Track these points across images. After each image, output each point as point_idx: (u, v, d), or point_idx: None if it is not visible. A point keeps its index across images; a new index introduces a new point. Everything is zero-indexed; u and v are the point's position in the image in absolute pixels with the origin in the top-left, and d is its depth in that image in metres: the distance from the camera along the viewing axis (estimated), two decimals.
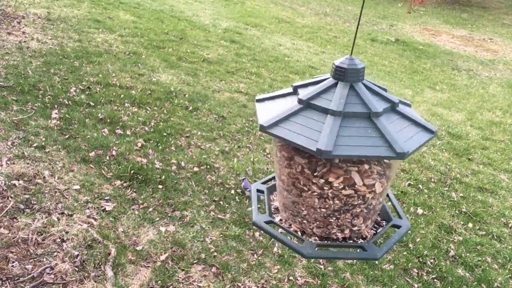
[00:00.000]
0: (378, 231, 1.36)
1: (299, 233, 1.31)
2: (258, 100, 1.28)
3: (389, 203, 1.47)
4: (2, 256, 2.67)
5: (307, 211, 1.26)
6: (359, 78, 1.18)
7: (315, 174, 1.19)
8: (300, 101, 1.16)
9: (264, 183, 1.50)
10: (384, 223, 1.38)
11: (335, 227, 1.28)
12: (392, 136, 1.08)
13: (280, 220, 1.37)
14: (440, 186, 4.38)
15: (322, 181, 1.19)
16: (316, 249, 1.25)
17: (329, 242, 1.29)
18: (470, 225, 3.86)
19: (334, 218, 1.25)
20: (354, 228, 1.28)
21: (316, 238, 1.30)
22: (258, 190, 1.44)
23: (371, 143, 1.08)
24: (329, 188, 1.19)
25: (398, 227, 1.35)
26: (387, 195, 1.44)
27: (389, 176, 1.24)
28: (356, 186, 1.18)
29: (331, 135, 1.06)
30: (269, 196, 1.46)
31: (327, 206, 1.22)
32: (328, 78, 1.20)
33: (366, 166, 1.17)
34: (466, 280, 3.23)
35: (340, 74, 1.17)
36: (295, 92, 1.24)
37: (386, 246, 1.25)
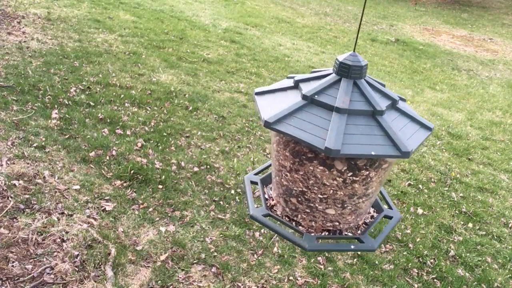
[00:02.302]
0: (370, 223, 1.38)
1: (300, 227, 1.32)
2: (258, 93, 1.25)
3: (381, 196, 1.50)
4: (2, 256, 2.67)
5: (305, 203, 1.26)
6: (362, 75, 1.18)
7: (319, 166, 1.19)
8: (304, 96, 1.15)
9: (256, 174, 1.49)
10: (375, 215, 1.39)
11: (331, 219, 1.29)
12: (396, 134, 1.09)
13: (276, 212, 1.37)
14: (440, 186, 4.38)
15: (331, 171, 1.19)
16: (316, 242, 1.25)
17: (326, 234, 1.30)
18: (470, 225, 3.86)
19: (333, 210, 1.26)
20: (349, 219, 1.29)
21: (313, 231, 1.31)
22: (252, 182, 1.42)
23: (377, 142, 1.08)
24: (339, 177, 1.19)
25: (390, 217, 1.36)
26: (390, 218, 1.46)
27: (368, 183, 1.24)
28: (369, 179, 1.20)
29: (339, 133, 1.06)
30: (263, 188, 1.46)
31: (327, 197, 1.22)
32: (331, 73, 1.20)
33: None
34: (466, 280, 3.23)
35: (344, 70, 1.17)
36: (296, 86, 1.23)
37: (381, 237, 1.27)
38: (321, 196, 1.23)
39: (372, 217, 1.40)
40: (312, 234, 1.29)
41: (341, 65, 1.18)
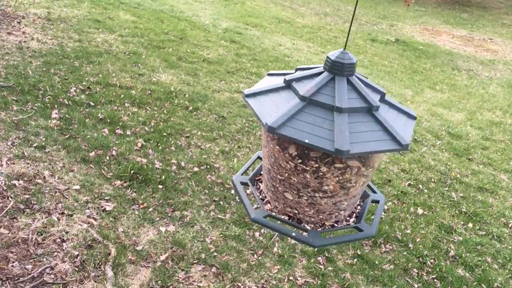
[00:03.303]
0: (361, 211, 1.39)
1: (303, 225, 1.34)
2: (248, 95, 1.23)
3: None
4: (2, 256, 2.67)
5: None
6: (354, 71, 1.19)
7: (307, 163, 1.20)
8: (302, 98, 1.14)
9: (243, 174, 1.49)
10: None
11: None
12: (394, 128, 1.10)
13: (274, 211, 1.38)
14: (440, 186, 4.38)
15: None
16: (321, 237, 1.26)
17: (324, 228, 1.31)
18: (470, 225, 3.86)
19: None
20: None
21: (311, 226, 1.32)
22: (241, 183, 1.41)
23: (378, 138, 1.09)
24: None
25: (377, 202, 1.37)
26: (378, 202, 1.48)
27: (358, 178, 1.24)
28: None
29: (345, 133, 1.06)
30: (255, 187, 1.45)
31: (315, 191, 1.24)
32: (322, 71, 1.20)
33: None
34: (466, 280, 3.23)
35: (337, 68, 1.17)
36: (288, 86, 1.22)
37: (375, 222, 1.29)
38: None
39: (360, 206, 1.42)
40: (313, 229, 1.29)
41: (334, 63, 1.18)
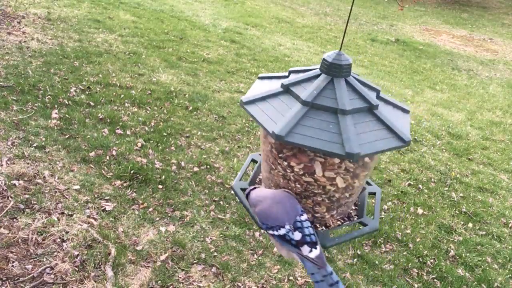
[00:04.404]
0: (361, 205, 1.39)
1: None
2: (247, 103, 1.19)
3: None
4: (2, 256, 2.67)
5: (300, 198, 1.28)
6: (350, 72, 1.20)
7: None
8: (304, 102, 1.13)
9: (241, 179, 1.49)
10: (355, 218, 1.39)
11: (330, 211, 1.30)
12: (395, 125, 1.11)
13: None
14: (440, 186, 4.38)
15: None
16: (331, 236, 1.26)
17: (329, 227, 1.31)
18: (470, 225, 3.86)
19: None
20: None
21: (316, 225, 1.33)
22: (242, 189, 1.40)
23: (382, 136, 1.10)
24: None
25: (365, 225, 1.34)
26: (374, 194, 1.46)
27: (358, 174, 1.23)
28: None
29: (353, 136, 1.06)
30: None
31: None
32: (319, 73, 1.20)
33: (333, 160, 1.16)
34: (466, 280, 3.23)
35: (335, 70, 1.18)
36: (287, 90, 1.20)
37: (377, 215, 1.31)
38: (282, 180, 1.27)
39: (350, 219, 1.39)
40: (321, 230, 1.29)
41: (323, 61, 1.19)
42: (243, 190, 1.37)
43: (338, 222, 1.34)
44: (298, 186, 1.22)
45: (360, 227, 1.33)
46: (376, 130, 1.12)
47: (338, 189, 1.23)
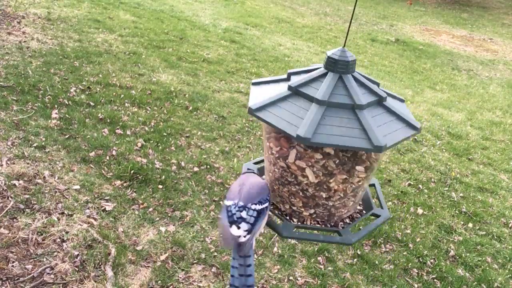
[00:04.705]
0: (365, 199, 1.39)
1: (294, 217, 1.34)
2: (254, 83, 1.29)
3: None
4: (2, 256, 2.67)
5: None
6: (349, 70, 1.20)
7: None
8: (289, 87, 1.18)
9: (256, 163, 1.51)
10: (364, 213, 1.40)
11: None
12: (373, 129, 1.10)
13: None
14: (440, 186, 4.38)
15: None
16: (295, 230, 1.27)
17: (307, 224, 1.31)
18: (470, 225, 3.86)
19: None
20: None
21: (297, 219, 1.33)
22: (248, 169, 1.42)
23: (351, 134, 1.09)
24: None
25: (378, 216, 1.35)
26: (374, 186, 1.47)
27: (335, 172, 1.21)
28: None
29: (312, 123, 1.08)
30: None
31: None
32: (326, 72, 1.21)
33: (313, 152, 1.18)
34: (466, 280, 3.23)
35: (331, 64, 1.19)
36: (288, 78, 1.27)
37: (361, 233, 1.28)
38: (296, 186, 1.29)
39: (360, 213, 1.40)
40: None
41: (328, 59, 1.19)
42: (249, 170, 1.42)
43: (355, 217, 1.35)
44: (276, 170, 1.27)
45: (371, 220, 1.35)
46: (390, 122, 1.14)
47: (310, 183, 1.22)
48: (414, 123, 1.15)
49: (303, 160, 1.19)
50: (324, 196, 1.25)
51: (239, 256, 1.17)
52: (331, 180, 1.22)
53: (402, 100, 1.31)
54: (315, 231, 1.41)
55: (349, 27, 1.30)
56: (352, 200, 1.30)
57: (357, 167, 1.21)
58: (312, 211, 1.29)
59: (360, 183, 1.26)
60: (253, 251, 1.22)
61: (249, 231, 1.18)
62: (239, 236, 1.17)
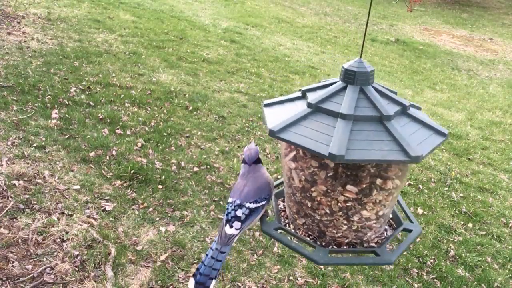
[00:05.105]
0: (388, 236, 1.32)
1: (309, 239, 1.27)
2: (266, 105, 1.23)
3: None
4: (2, 256, 2.67)
5: (315, 215, 1.23)
6: (369, 81, 1.16)
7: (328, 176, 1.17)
8: (309, 104, 1.12)
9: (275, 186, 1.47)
10: (394, 228, 1.35)
11: (340, 231, 1.25)
12: (405, 139, 1.06)
13: (290, 226, 1.33)
14: (440, 186, 4.38)
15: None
16: (329, 255, 1.21)
17: (341, 248, 1.25)
18: (470, 225, 3.86)
19: (337, 221, 1.23)
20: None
21: (327, 243, 1.27)
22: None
23: (384, 147, 1.05)
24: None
25: (409, 231, 1.32)
26: (397, 201, 1.41)
27: (373, 192, 1.19)
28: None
29: (343, 139, 1.04)
30: (277, 201, 1.42)
31: (330, 207, 1.20)
32: (345, 85, 1.17)
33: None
34: (466, 280, 3.23)
35: (349, 77, 1.15)
36: (303, 96, 1.20)
37: (399, 250, 1.23)
38: (310, 202, 1.24)
39: (389, 231, 1.35)
40: (324, 246, 1.24)
41: (346, 72, 1.15)
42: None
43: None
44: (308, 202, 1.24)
45: (401, 236, 1.29)
46: (418, 130, 1.12)
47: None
48: (441, 129, 1.12)
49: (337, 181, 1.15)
50: (364, 216, 1.22)
51: (220, 245, 1.27)
52: (366, 199, 1.19)
53: (419, 108, 1.27)
54: (350, 254, 1.32)
55: (364, 38, 1.26)
56: (385, 217, 1.27)
57: (388, 181, 1.19)
58: (353, 234, 1.25)
59: (393, 196, 1.24)
60: (234, 242, 1.30)
61: (239, 229, 1.27)
62: (232, 235, 1.27)
